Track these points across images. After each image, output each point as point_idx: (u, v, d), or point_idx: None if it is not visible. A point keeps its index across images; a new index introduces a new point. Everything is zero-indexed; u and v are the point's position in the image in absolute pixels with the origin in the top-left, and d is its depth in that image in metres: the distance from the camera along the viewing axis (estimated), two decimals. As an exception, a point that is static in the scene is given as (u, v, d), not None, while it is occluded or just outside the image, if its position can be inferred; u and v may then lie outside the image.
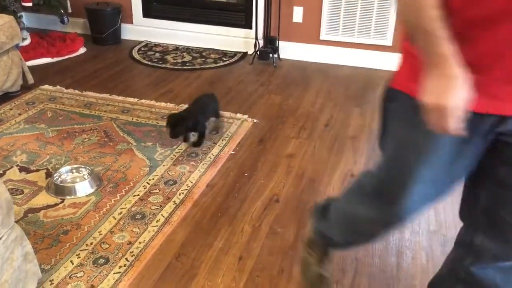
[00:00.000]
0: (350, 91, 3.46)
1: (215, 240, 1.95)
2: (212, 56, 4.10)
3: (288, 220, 2.09)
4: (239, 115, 3.01)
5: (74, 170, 2.31)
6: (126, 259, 1.81)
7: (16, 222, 1.94)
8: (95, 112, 2.98)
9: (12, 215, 1.50)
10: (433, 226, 2.07)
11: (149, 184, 2.29)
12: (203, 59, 4.01)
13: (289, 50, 4.03)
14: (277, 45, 3.96)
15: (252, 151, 2.63)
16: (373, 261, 1.87)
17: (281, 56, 4.02)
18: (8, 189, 2.15)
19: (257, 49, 3.96)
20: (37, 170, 2.36)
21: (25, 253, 1.57)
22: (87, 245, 1.88)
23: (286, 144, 2.71)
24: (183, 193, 2.22)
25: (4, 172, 2.33)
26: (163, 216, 2.06)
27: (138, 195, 2.20)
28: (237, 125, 2.88)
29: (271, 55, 3.94)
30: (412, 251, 1.93)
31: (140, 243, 1.90)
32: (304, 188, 2.32)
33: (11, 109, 2.99)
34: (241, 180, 2.36)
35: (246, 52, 4.17)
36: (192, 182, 2.31)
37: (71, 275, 1.73)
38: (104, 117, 2.92)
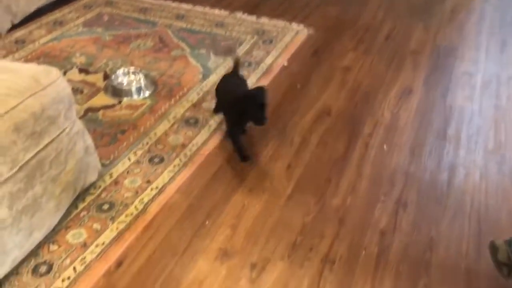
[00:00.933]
0: (414, 4, 3.23)
1: (265, 148, 1.98)
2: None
3: (339, 132, 2.07)
4: (294, 25, 2.90)
5: (130, 73, 2.36)
6: (180, 159, 1.89)
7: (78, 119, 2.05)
8: (150, 18, 2.97)
9: (74, 110, 1.57)
10: (491, 145, 2.00)
11: (202, 91, 2.31)
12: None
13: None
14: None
15: (306, 62, 2.57)
16: (423, 175, 1.85)
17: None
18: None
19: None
20: (96, 72, 2.43)
21: (87, 146, 1.66)
22: (143, 144, 1.96)
23: (342, 56, 2.62)
24: (233, 101, 2.23)
25: (65, 73, 2.41)
26: (216, 121, 2.10)
27: (192, 101, 2.23)
28: (292, 36, 2.79)
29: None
30: (465, 169, 1.88)
31: (193, 145, 1.96)
32: (357, 102, 2.26)
33: (70, 12, 3.03)
34: (293, 92, 2.33)
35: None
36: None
37: (128, 170, 1.83)
38: (159, 23, 2.91)
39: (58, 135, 1.49)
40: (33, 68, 1.52)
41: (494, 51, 2.72)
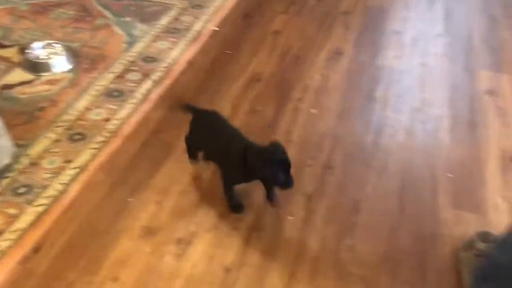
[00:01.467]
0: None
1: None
2: None
3: (269, 98, 2.04)
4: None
5: (47, 46, 2.21)
6: (103, 135, 1.81)
7: (-10, 98, 1.91)
8: (71, -16, 2.78)
9: (-25, 89, 1.46)
10: (417, 104, 2.03)
11: (127, 61, 2.20)
12: None
13: None
14: None
15: (236, 27, 2.50)
16: (351, 138, 1.86)
17: None
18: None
19: None
20: (11, 46, 2.27)
21: (-5, 127, 1.55)
22: (63, 122, 1.86)
23: (273, 20, 2.56)
24: (162, 71, 2.15)
25: (-23, 48, 2.24)
26: (142, 94, 2.02)
27: (116, 72, 2.13)
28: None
29: None
30: (391, 129, 1.90)
31: (117, 120, 1.88)
32: (287, 66, 2.23)
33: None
34: (223, 58, 2.27)
35: None
36: (172, 59, 2.22)
37: (47, 150, 1.73)
38: (80, -10, 2.73)
39: (-43, 118, 1.38)
40: None
41: (423, 9, 2.74)
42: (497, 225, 1.49)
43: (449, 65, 2.27)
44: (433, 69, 2.25)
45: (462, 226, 1.53)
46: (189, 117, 1.63)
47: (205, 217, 1.54)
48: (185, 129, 1.65)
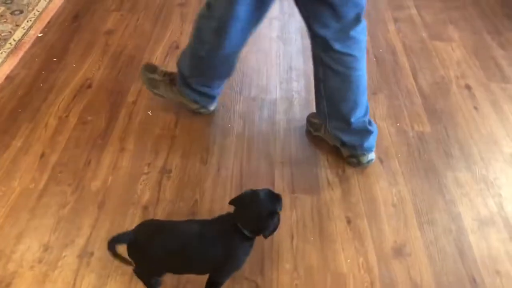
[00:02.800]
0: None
1: (13, 139, 1.73)
2: None
3: (100, 106, 1.91)
4: (49, -12, 2.57)
5: None
6: None
7: None
8: None
9: None
10: (254, 92, 2.03)
11: None
12: None
13: None
14: None
15: (64, 30, 2.30)
16: (188, 136, 1.80)
17: None
18: None
19: None
20: None
21: None
22: None
23: (105, 19, 2.40)
24: (-26, 90, 1.91)
25: None
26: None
27: None
28: (47, 1, 2.47)
29: None
30: (230, 121, 1.88)
31: None
32: (121, 68, 2.11)
33: None
34: (49, 67, 2.07)
35: None
36: (-14, 74, 1.98)
37: None
38: None
39: None
40: None
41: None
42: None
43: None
44: (270, 55, 2.27)
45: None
46: None
47: (26, 252, 1.39)
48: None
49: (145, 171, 1.66)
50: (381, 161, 1.75)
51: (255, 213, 1.18)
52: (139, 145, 1.75)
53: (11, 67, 2.05)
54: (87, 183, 1.60)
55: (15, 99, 1.91)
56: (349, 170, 1.71)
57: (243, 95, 2.01)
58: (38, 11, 2.40)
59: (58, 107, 1.88)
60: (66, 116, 1.85)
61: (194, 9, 2.52)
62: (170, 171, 1.66)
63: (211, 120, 1.88)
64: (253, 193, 1.20)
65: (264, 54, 2.26)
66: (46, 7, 2.43)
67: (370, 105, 1.68)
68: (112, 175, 1.63)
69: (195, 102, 1.82)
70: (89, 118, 1.85)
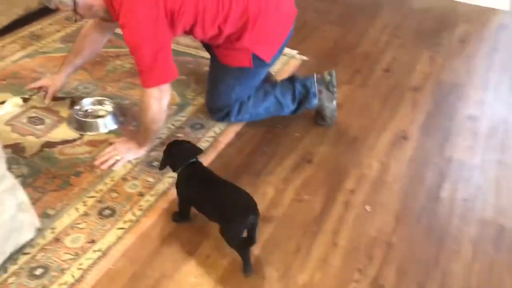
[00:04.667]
0: (422, 28, 2.97)
1: (233, 201, 1.76)
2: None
3: (318, 185, 1.84)
4: (287, 50, 2.66)
5: (96, 102, 2.16)
6: (133, 213, 1.68)
7: (31, 156, 1.87)
8: (133, 35, 2.76)
9: (2, 163, 1.38)
10: (489, 214, 1.75)
11: (174, 126, 2.10)
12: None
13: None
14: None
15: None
16: (407, 249, 1.61)
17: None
18: (30, 118, 2.07)
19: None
20: (63, 98, 2.23)
21: (20, 203, 1.46)
22: (96, 192, 1.76)
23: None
24: (208, 141, 2.02)
25: (30, 97, 2.22)
26: (183, 166, 1.89)
27: (160, 138, 2.02)
28: (283, 63, 2.56)
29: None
30: (456, 242, 1.64)
31: (151, 195, 1.75)
32: (343, 148, 2.03)
33: (50, 25, 2.84)
34: (274, 131, 2.11)
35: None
36: (220, 129, 2.09)
37: (73, 225, 1.63)
38: (141, 41, 2.70)
39: (-24, 197, 1.30)
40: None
41: (505, 91, 2.45)
42: None
43: (532, 164, 1.98)
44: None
45: None
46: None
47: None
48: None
49: (355, 277, 1.51)
50: None
51: None
52: (352, 243, 1.62)
53: (241, 125, 2.12)
54: (294, 272, 1.52)
55: (241, 157, 1.96)
56: None
57: (476, 215, 1.74)
58: (274, 72, 2.48)
59: (278, 175, 1.88)
60: (283, 190, 1.82)
61: (429, 97, 2.35)
62: (383, 286, 1.49)
63: (435, 236, 1.66)
64: None
65: (506, 167, 1.96)
66: (280, 69, 2.51)
67: None
68: (320, 271, 1.53)
69: None
70: (305, 197, 1.79)
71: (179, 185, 1.63)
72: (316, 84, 2.04)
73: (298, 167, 1.93)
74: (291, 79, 2.10)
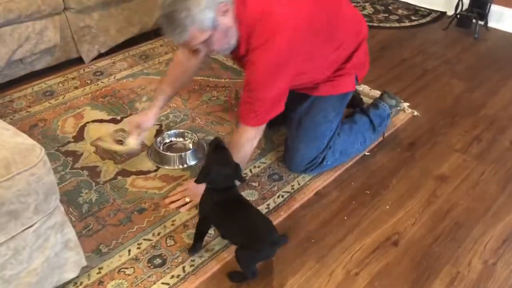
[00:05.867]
0: None
1: (295, 274, 1.54)
2: (399, 11, 3.37)
3: (399, 277, 1.54)
4: (397, 101, 2.37)
5: (179, 135, 2.09)
6: (183, 268, 1.55)
7: (104, 183, 1.84)
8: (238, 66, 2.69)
9: (54, 200, 1.32)
10: None
11: (251, 172, 1.94)
12: (386, 15, 3.32)
13: (505, 19, 3.05)
14: (487, 9, 3.02)
15: (393, 157, 2.04)
16: None
17: (490, 25, 3.08)
18: (118, 141, 2.03)
19: (458, 11, 3.08)
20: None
21: (67, 240, 1.40)
22: (153, 234, 1.66)
23: (444, 158, 2.03)
24: (282, 196, 1.83)
25: (121, 119, 2.23)
26: (250, 221, 1.71)
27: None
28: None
29: (474, 21, 3.03)
30: None
31: (208, 251, 1.60)
32: (440, 235, 1.69)
33: (161, 46, 2.89)
34: (361, 198, 1.84)
35: (445, 12, 3.32)
36: (299, 184, 1.88)
37: (120, 269, 1.54)
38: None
39: (20, 232, 1.25)
40: (15, 144, 1.29)
41: None
42: None
43: None
44: None
45: None
46: None
47: None
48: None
49: None
50: None
51: None
52: None
53: (324, 183, 1.89)
54: None
55: (314, 223, 1.73)
56: None
57: None
58: (376, 125, 2.20)
59: (352, 256, 1.61)
60: (356, 274, 1.55)
61: None
62: None
63: None
64: None
65: None
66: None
67: None
68: None
69: None
70: (381, 287, 1.50)
71: (204, 204, 1.55)
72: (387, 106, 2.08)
73: (379, 248, 1.64)
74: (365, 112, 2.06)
